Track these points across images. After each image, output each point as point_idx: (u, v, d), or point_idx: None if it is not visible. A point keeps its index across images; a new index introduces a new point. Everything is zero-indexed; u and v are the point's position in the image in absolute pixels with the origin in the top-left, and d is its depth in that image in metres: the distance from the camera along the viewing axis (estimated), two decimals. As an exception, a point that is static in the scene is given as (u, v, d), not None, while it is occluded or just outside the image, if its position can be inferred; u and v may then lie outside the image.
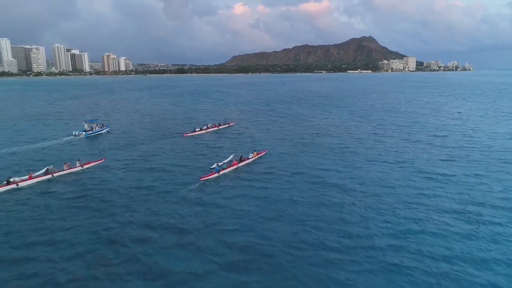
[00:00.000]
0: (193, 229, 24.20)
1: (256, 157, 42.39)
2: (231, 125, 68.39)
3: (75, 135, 60.91)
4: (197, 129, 60.82)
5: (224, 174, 36.60)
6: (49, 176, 35.59)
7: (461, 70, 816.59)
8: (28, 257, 20.86)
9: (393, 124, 68.74)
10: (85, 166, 39.25)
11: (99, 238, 23.05)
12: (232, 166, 38.36)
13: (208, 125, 64.02)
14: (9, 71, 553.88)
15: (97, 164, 40.76)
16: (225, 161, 38.81)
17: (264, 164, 40.49)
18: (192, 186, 32.75)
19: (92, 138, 60.59)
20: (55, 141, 57.04)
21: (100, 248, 21.77)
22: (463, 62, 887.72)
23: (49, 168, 36.32)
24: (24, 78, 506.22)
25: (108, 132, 66.80)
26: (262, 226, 24.61)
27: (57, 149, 51.22)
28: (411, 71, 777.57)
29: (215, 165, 37.21)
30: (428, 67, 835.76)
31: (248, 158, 41.27)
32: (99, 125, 67.28)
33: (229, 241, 22.57)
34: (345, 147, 48.50)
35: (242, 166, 39.39)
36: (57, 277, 19.03)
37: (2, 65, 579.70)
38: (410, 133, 59.00)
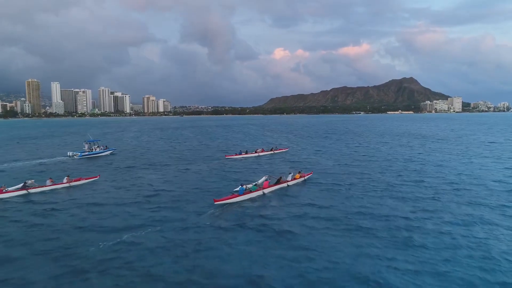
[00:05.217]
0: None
1: (298, 179, 34.55)
2: (283, 152, 61.79)
3: (69, 156, 56.89)
4: (242, 153, 55.86)
5: (250, 198, 28.38)
6: (24, 191, 30.97)
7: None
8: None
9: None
10: (74, 183, 34.36)
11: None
12: (263, 188, 30.32)
13: (257, 150, 58.88)
14: (55, 112, 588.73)
15: (89, 181, 35.82)
16: (256, 183, 30.98)
17: (304, 189, 32.01)
18: (200, 212, 24.68)
19: (87, 159, 54.89)
20: (45, 160, 53.98)
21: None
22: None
23: (28, 182, 31.80)
24: (69, 118, 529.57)
25: (112, 154, 60.88)
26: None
27: (42, 168, 46.34)
28: (457, 112, 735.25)
29: (238, 188, 28.69)
30: (476, 108, 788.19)
31: (287, 180, 33.46)
32: (101, 147, 62.26)
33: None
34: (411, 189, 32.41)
35: (277, 189, 31.45)
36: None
37: (51, 107, 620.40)
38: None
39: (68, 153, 58.30)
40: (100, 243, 19.17)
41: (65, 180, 34.08)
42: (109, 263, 16.89)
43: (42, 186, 32.65)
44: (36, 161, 52.83)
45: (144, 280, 15.42)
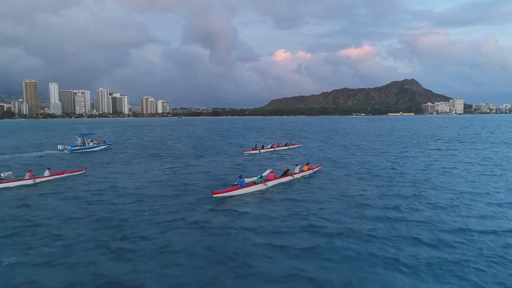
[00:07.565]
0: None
1: (306, 172, 32.83)
2: (296, 147, 63.23)
3: (59, 150, 54.91)
4: (258, 148, 55.56)
5: (253, 191, 26.00)
6: None
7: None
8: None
9: None
10: (57, 176, 32.22)
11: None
12: (268, 181, 28.06)
13: (272, 145, 60.32)
14: (53, 113, 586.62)
15: (74, 174, 33.62)
16: (262, 175, 28.58)
17: (311, 182, 29.62)
18: (195, 204, 22.67)
19: (78, 154, 51.78)
20: (31, 153, 52.40)
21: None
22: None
23: (2, 175, 29.61)
24: (66, 119, 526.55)
25: (108, 148, 57.84)
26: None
27: (26, 161, 44.47)
28: (458, 113, 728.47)
29: (237, 181, 26.14)
30: (478, 110, 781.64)
31: (294, 173, 31.30)
32: (95, 141, 57.75)
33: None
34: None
35: (283, 182, 29.24)
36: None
37: (49, 108, 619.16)
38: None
39: (58, 146, 56.33)
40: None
41: (46, 173, 31.76)
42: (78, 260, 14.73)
43: (20, 180, 30.05)
44: (21, 154, 51.56)
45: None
